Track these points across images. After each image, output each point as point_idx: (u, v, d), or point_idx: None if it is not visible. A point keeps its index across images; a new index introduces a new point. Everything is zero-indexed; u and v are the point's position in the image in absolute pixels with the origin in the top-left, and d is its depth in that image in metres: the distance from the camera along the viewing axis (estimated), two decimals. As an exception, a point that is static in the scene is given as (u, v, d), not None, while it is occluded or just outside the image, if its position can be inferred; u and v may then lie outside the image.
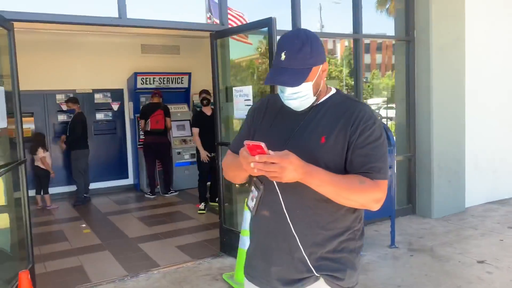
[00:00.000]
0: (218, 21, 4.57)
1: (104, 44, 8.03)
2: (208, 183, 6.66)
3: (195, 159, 7.29)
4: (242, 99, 4.20)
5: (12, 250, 3.99)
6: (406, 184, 5.96)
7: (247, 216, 3.91)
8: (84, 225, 6.07)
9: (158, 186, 7.92)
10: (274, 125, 1.67)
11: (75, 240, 5.37)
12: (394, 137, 4.83)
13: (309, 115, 1.62)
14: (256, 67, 5.24)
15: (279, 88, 1.60)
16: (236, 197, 4.94)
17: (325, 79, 1.63)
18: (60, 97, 7.86)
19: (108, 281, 4.08)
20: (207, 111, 6.35)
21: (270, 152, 1.36)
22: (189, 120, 8.19)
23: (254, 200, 1.65)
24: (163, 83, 8.35)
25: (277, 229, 1.60)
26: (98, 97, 8.24)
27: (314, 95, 1.60)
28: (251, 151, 1.38)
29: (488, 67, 6.22)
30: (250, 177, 1.65)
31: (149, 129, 7.49)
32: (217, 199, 5.84)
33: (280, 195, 1.57)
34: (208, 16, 4.78)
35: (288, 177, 1.38)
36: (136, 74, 7.94)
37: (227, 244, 4.62)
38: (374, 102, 18.11)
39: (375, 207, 1.51)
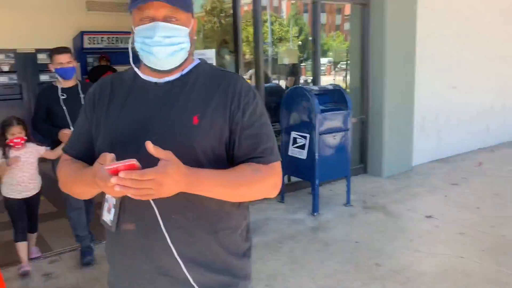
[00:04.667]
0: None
1: (46, -1, 7.49)
2: None
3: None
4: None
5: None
6: (359, 145, 6.21)
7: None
8: None
9: None
10: (127, 106, 1.29)
11: None
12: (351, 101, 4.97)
13: (173, 89, 1.27)
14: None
15: (141, 34, 1.22)
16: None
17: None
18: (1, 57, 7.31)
19: None
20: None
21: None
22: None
23: (112, 211, 1.26)
24: (112, 43, 7.98)
25: (148, 245, 1.25)
26: (42, 58, 7.74)
27: (186, 53, 1.28)
28: (114, 173, 1.02)
29: (438, 32, 6.47)
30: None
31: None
32: None
33: (150, 200, 1.18)
34: None
35: (168, 193, 1.07)
36: (82, 33, 7.54)
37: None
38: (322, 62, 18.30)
39: (273, 193, 1.29)
